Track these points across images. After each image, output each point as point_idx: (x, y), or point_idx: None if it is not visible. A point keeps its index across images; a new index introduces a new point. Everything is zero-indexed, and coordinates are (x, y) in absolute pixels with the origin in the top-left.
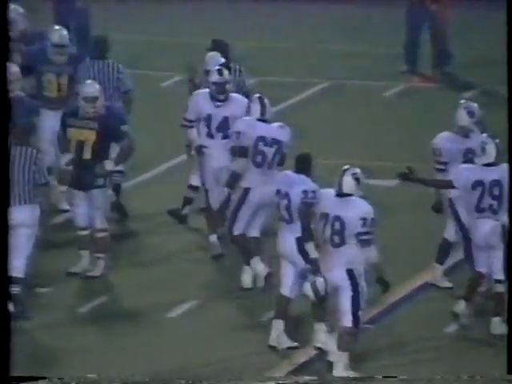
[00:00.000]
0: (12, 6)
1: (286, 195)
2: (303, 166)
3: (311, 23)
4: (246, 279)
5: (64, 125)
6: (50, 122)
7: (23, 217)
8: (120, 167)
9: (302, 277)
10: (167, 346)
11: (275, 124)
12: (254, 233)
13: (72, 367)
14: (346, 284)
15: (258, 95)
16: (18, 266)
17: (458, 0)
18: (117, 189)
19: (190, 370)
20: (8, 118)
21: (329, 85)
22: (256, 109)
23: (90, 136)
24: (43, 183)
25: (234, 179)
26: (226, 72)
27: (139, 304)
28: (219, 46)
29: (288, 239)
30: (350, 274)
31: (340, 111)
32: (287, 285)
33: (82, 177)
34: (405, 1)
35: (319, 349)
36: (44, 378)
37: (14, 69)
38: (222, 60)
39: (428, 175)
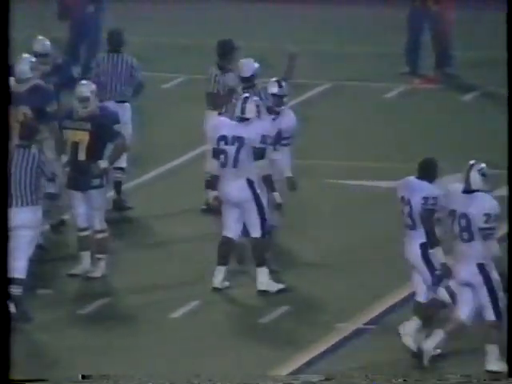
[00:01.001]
0: None
1: (408, 202)
2: (426, 171)
3: (312, 25)
4: (263, 279)
5: (61, 127)
6: None
7: (25, 218)
8: (122, 164)
9: (434, 282)
10: (169, 347)
11: (246, 121)
12: (254, 233)
13: (73, 369)
14: (477, 279)
15: (245, 95)
16: (19, 267)
17: (459, 1)
18: (118, 186)
19: (191, 370)
20: (8, 118)
21: (330, 86)
22: (238, 107)
23: (83, 137)
24: (50, 178)
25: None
26: (284, 83)
27: (141, 305)
28: (225, 47)
29: (413, 245)
30: (481, 267)
31: (341, 112)
32: (421, 291)
33: (79, 178)
34: (406, 2)
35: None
36: (44, 380)
37: (30, 59)
38: (256, 65)
39: None
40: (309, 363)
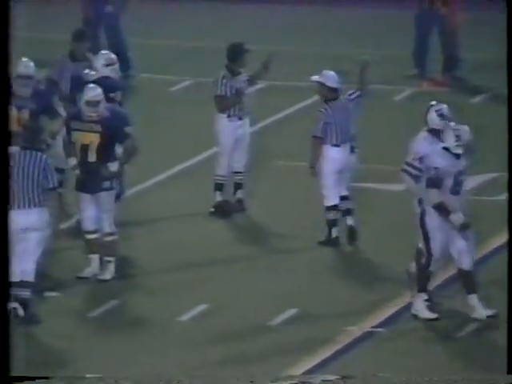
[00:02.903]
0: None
1: None
2: None
3: (321, 27)
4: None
5: (68, 129)
6: None
7: (33, 220)
8: None
9: None
10: (177, 350)
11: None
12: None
13: (83, 371)
14: None
15: (458, 126)
16: (27, 270)
17: (468, 3)
18: None
19: (199, 373)
20: (8, 119)
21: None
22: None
23: (94, 139)
24: (51, 188)
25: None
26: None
27: (150, 307)
28: (236, 50)
29: None
30: None
31: None
32: None
33: (89, 180)
34: (414, 4)
35: None
36: (45, 377)
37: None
38: (336, 77)
39: None
40: (317, 366)
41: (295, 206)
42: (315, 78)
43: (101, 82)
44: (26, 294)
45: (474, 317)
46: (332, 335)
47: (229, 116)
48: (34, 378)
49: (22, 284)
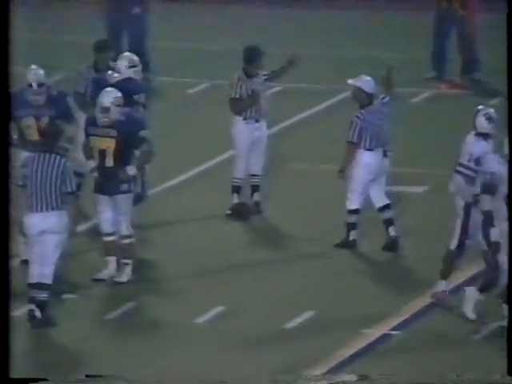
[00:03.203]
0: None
1: None
2: None
3: (338, 29)
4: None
5: (87, 134)
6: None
7: (51, 223)
8: None
9: None
10: (194, 352)
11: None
12: None
13: (99, 373)
14: None
15: None
16: (45, 272)
17: (487, 5)
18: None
19: (215, 375)
20: (9, 119)
21: None
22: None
23: (110, 144)
24: (70, 192)
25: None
26: (492, 114)
27: (166, 310)
28: (252, 53)
29: None
30: None
31: None
32: None
33: (107, 183)
34: (432, 6)
35: None
36: (44, 379)
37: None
38: (373, 83)
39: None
40: (333, 369)
41: (312, 208)
42: (352, 82)
43: (124, 84)
44: (43, 296)
45: (502, 325)
46: (348, 338)
47: (245, 118)
48: (35, 380)
49: (40, 286)
